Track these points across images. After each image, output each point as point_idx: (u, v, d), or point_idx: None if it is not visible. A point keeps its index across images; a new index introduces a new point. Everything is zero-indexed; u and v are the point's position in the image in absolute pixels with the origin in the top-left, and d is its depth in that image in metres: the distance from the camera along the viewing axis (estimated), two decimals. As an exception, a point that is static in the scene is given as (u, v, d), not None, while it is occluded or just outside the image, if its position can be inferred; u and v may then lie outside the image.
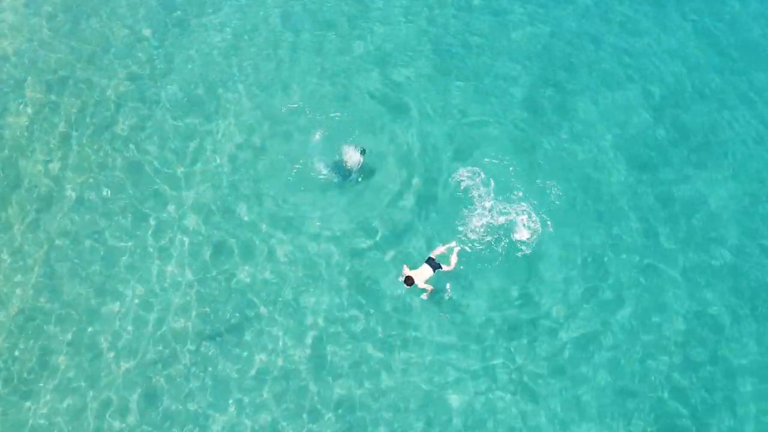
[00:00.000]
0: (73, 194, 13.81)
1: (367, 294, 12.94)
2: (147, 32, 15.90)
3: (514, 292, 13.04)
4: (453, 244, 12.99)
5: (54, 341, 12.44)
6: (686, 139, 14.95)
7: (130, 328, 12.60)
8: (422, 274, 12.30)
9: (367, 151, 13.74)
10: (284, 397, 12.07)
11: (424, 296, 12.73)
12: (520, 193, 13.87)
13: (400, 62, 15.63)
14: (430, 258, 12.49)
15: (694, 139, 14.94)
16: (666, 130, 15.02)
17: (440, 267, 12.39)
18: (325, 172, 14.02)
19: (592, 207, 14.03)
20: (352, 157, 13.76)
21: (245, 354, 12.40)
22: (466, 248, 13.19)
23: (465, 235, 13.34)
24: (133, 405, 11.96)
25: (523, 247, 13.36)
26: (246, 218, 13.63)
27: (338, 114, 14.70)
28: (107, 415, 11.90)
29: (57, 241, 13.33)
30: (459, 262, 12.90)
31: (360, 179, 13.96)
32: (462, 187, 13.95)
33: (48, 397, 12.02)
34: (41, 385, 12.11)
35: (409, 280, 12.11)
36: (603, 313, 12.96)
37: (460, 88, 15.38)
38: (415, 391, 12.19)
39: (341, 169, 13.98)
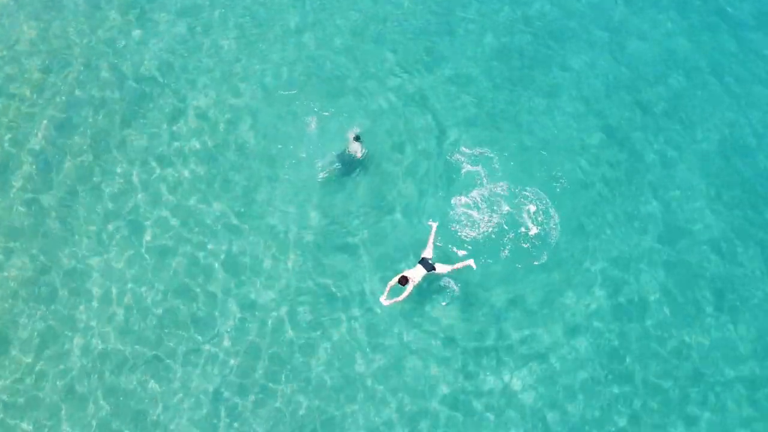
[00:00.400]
0: (60, 187, 13.82)
1: (362, 294, 12.86)
2: (137, 12, 15.73)
3: (518, 292, 12.80)
4: (428, 243, 12.59)
5: (24, 339, 12.55)
6: (692, 124, 14.46)
7: (97, 327, 12.67)
8: (416, 275, 12.07)
9: (361, 138, 13.65)
10: (265, 403, 12.12)
11: (382, 299, 12.23)
12: (524, 185, 13.54)
13: (397, 49, 15.21)
14: (423, 258, 12.27)
15: (702, 126, 14.46)
16: (675, 111, 14.55)
17: (434, 269, 12.18)
18: (325, 167, 13.85)
19: (598, 196, 13.64)
20: (352, 146, 13.63)
21: (226, 361, 12.39)
22: (468, 246, 12.98)
23: (466, 231, 13.13)
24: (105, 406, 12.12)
25: (527, 244, 13.07)
26: (235, 217, 13.51)
27: (332, 111, 14.45)
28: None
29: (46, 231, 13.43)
30: (460, 258, 12.68)
31: (358, 170, 13.82)
32: (462, 176, 13.67)
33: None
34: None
35: (403, 280, 11.93)
36: (614, 311, 12.70)
37: (459, 75, 14.97)
38: (416, 392, 12.15)
39: (344, 161, 13.81)
